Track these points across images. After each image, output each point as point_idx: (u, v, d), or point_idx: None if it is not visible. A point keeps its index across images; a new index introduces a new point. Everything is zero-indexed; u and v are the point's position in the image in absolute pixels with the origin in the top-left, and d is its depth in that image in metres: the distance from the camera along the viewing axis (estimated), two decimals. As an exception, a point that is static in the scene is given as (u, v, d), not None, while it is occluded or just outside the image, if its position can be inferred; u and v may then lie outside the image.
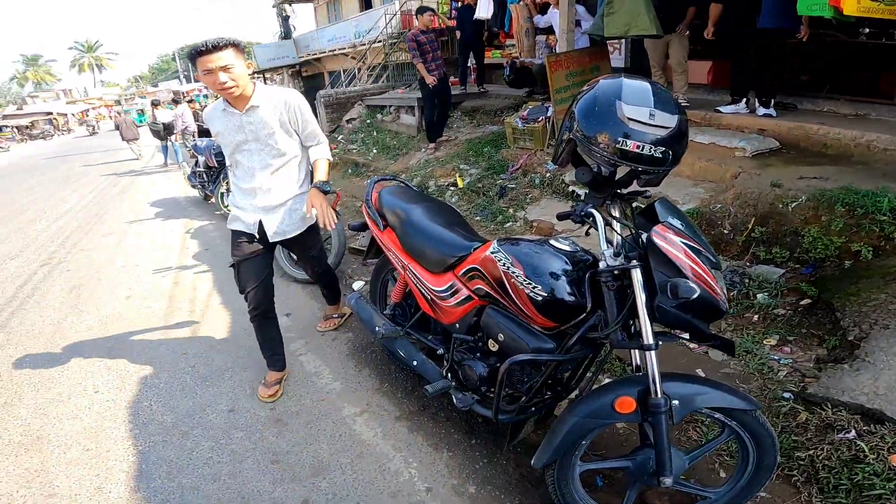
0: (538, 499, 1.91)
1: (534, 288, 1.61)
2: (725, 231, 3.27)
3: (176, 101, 11.01)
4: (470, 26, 7.59)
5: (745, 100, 4.63)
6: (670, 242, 1.36)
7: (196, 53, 1.99)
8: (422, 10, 6.41)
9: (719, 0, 4.48)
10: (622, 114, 1.31)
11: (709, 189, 3.68)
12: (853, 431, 1.84)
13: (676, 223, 1.41)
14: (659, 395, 1.43)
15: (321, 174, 2.41)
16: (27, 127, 33.54)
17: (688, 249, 1.36)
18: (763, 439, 1.52)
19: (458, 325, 2.02)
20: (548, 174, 4.85)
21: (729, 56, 4.87)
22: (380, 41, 12.41)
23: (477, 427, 2.29)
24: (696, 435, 2.08)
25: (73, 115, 39.27)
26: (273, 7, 20.72)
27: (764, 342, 2.53)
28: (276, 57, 18.77)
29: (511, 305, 1.72)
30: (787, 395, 2.15)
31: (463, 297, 1.93)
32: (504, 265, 1.70)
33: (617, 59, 6.69)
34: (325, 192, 2.36)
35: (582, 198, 4.33)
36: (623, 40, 6.43)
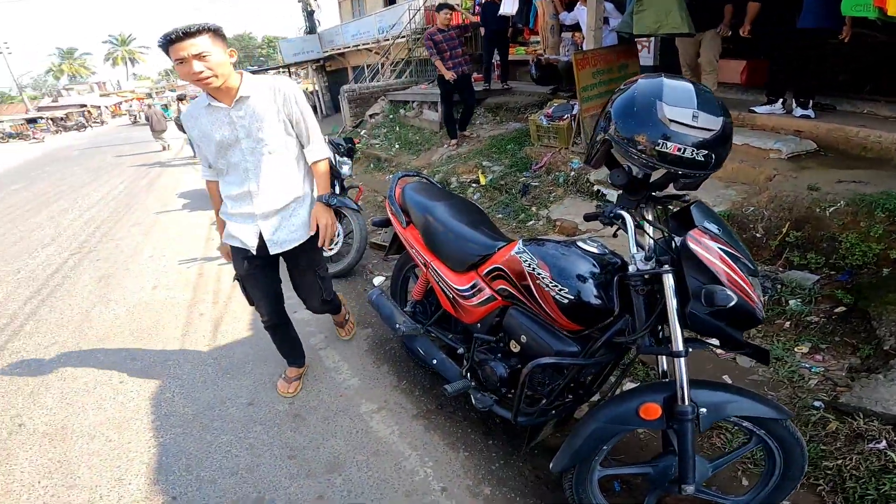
0: (554, 502, 1.88)
1: (560, 290, 1.57)
2: (758, 235, 3.17)
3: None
4: (494, 22, 7.53)
5: (781, 100, 4.48)
6: (706, 248, 1.31)
7: (167, 42, 1.75)
8: (439, 8, 6.37)
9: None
10: (663, 115, 1.26)
11: (741, 191, 3.57)
12: (884, 442, 1.80)
13: (713, 228, 1.36)
14: (686, 403, 1.40)
15: (324, 184, 2.23)
16: (62, 119, 34.62)
17: (724, 255, 1.31)
18: (792, 449, 1.48)
19: (479, 324, 1.99)
20: (572, 173, 4.78)
21: (765, 55, 4.72)
22: (403, 37, 12.42)
23: (494, 428, 2.26)
24: (719, 442, 2.04)
25: (106, 107, 40.42)
26: (298, 2, 20.93)
27: (795, 350, 2.46)
28: (300, 51, 18.94)
29: (535, 307, 1.69)
30: (817, 403, 2.10)
31: (485, 297, 1.91)
32: (529, 266, 1.67)
33: (646, 57, 6.55)
34: (331, 206, 2.23)
35: (608, 198, 4.26)
36: (652, 38, 6.29)
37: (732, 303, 1.25)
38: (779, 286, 2.79)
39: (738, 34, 4.63)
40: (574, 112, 5.20)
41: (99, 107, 39.86)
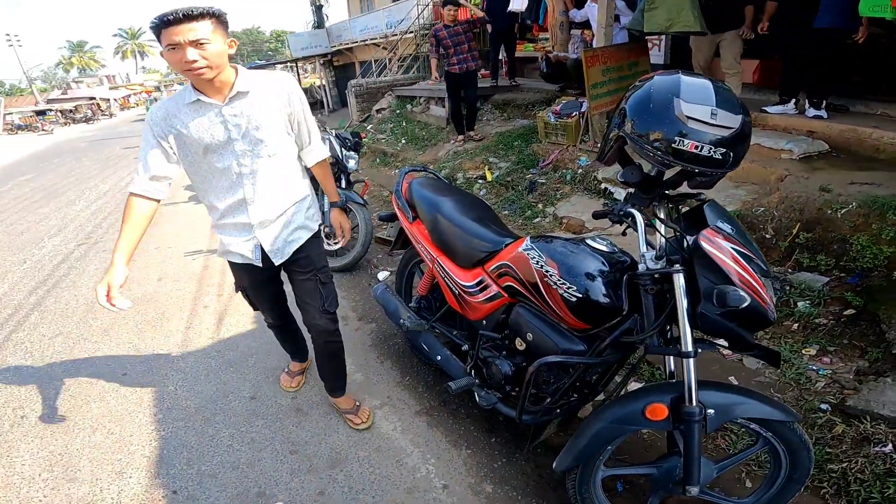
0: (556, 501, 1.87)
1: (568, 288, 1.55)
2: (767, 235, 3.13)
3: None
4: (501, 18, 7.47)
5: (794, 100, 4.43)
6: (719, 248, 1.29)
7: (161, 24, 1.49)
8: (444, 3, 6.32)
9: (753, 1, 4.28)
10: (680, 111, 1.24)
11: (752, 191, 3.53)
12: (890, 445, 1.79)
13: (726, 227, 1.34)
14: (694, 404, 1.38)
15: (332, 185, 2.18)
16: (71, 111, 34.82)
17: (737, 255, 1.28)
18: (798, 451, 1.47)
19: (485, 321, 1.98)
20: (580, 170, 4.75)
21: (779, 55, 4.66)
22: (411, 32, 12.37)
23: (497, 425, 2.25)
24: (724, 443, 2.02)
25: (114, 100, 40.63)
26: (308, -4, 20.89)
27: (803, 352, 2.44)
28: (308, 46, 18.92)
29: (542, 305, 1.67)
30: (824, 406, 2.09)
31: (492, 294, 1.89)
32: (537, 263, 1.65)
33: (657, 55, 6.48)
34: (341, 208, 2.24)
35: (614, 196, 4.22)
36: (664, 36, 6.22)
37: (745, 304, 1.22)
38: (788, 287, 2.76)
39: (753, 33, 4.57)
40: (583, 109, 5.16)
41: (108, 99, 40.05)
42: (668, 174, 1.41)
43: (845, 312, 2.55)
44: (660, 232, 1.42)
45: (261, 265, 1.98)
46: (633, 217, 1.41)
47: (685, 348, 1.36)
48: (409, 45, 12.58)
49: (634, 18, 4.75)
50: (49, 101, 36.63)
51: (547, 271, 1.62)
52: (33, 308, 3.75)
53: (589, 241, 1.65)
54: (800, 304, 2.66)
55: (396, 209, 2.51)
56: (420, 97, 9.55)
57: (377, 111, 10.61)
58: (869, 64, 4.72)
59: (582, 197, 4.52)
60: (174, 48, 1.52)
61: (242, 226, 1.90)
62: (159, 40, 1.55)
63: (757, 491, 1.64)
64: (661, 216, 1.44)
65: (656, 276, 1.40)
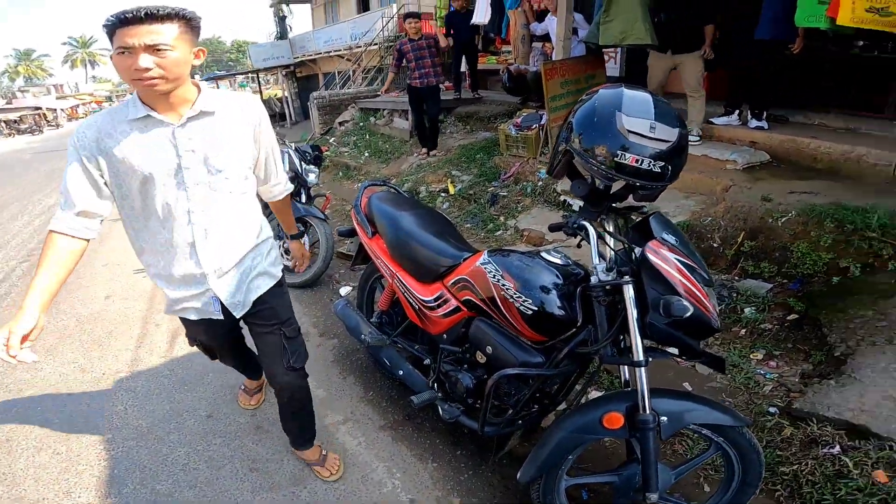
0: (522, 512, 1.88)
1: (524, 301, 1.58)
2: (715, 245, 3.27)
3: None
4: (464, 31, 7.58)
5: (737, 111, 4.64)
6: (664, 259, 1.34)
7: (117, 22, 1.24)
8: (406, 17, 6.39)
9: (714, 20, 4.34)
10: (622, 125, 1.27)
11: (700, 202, 3.68)
12: (838, 447, 1.85)
13: (670, 239, 1.39)
14: (647, 412, 1.41)
15: (292, 222, 2.10)
16: (15, 121, 33.08)
17: (681, 266, 1.33)
18: (749, 455, 1.51)
19: (445, 335, 1.98)
20: (540, 183, 4.84)
21: (725, 66, 4.85)
22: (375, 44, 12.40)
23: (462, 438, 2.24)
24: (682, 449, 2.07)
25: (62, 110, 38.85)
26: (270, 7, 20.64)
27: (750, 356, 2.53)
28: (270, 57, 18.67)
29: (500, 318, 1.69)
30: (772, 409, 2.16)
31: (451, 308, 1.90)
32: (494, 277, 1.67)
33: (612, 67, 6.71)
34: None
35: (574, 208, 4.32)
36: (618, 49, 6.44)
37: (688, 313, 1.27)
38: (734, 294, 2.88)
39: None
40: (542, 122, 5.26)
41: (55, 109, 38.23)
42: (615, 187, 1.45)
43: (789, 317, 2.67)
44: (608, 245, 1.46)
45: (221, 318, 1.68)
46: (586, 229, 1.44)
47: (637, 358, 1.39)
48: (374, 56, 12.60)
49: (590, 31, 4.88)
50: (-8, 112, 34.68)
51: (503, 285, 1.64)
52: (-31, 331, 3.51)
53: (544, 255, 1.68)
54: (746, 310, 2.77)
55: (356, 224, 2.50)
56: (384, 110, 9.54)
57: (340, 124, 10.52)
58: (807, 75, 5.01)
59: (542, 209, 4.60)
60: (125, 52, 1.26)
61: (194, 278, 1.59)
62: (111, 41, 1.29)
63: (714, 495, 1.68)
64: (610, 229, 1.48)
65: (607, 287, 1.44)
